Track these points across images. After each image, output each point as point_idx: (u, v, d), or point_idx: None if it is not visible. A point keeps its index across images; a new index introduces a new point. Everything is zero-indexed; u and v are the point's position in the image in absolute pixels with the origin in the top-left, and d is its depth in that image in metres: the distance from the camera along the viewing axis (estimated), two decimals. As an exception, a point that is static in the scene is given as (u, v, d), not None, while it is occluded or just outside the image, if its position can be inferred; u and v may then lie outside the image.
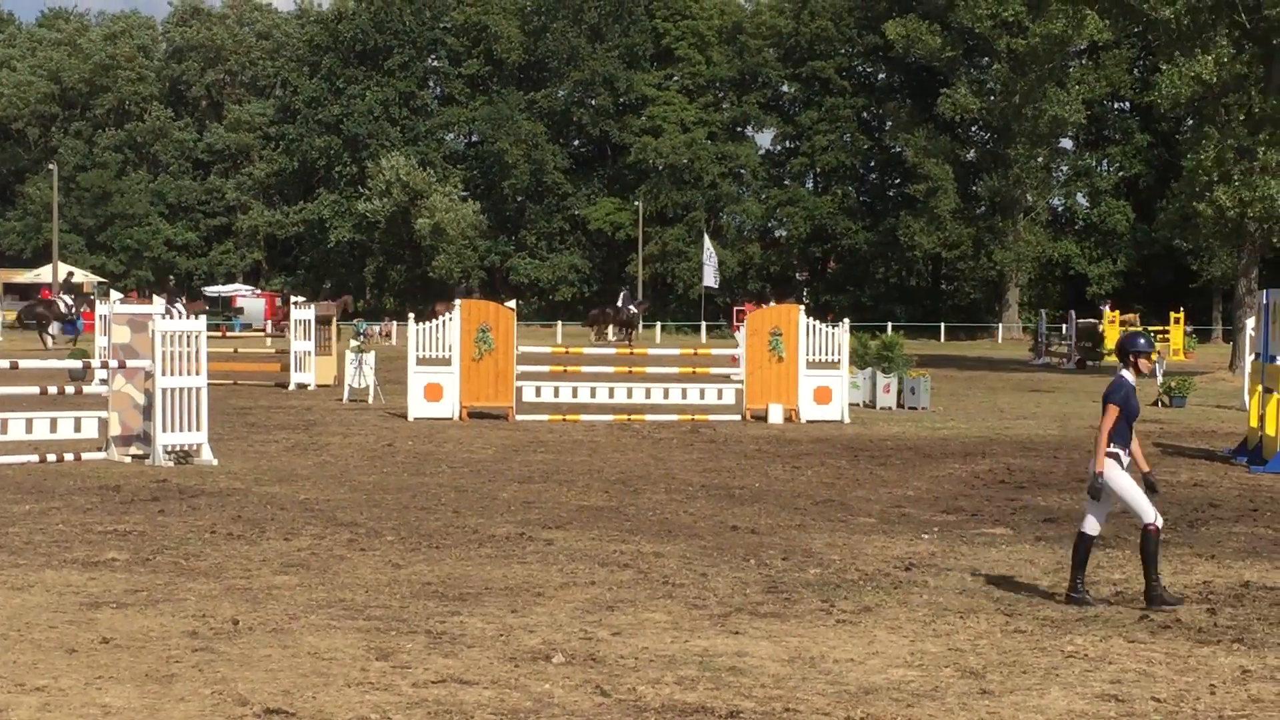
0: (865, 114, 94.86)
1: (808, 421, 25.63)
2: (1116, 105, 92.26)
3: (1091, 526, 10.45)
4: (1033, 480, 17.85)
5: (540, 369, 27.32)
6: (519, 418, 25.07)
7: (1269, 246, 48.12)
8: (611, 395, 26.60)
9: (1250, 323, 29.79)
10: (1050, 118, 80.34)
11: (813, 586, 10.88)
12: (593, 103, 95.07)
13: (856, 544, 12.87)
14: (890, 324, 68.28)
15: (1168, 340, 57.76)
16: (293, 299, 37.55)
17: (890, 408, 29.21)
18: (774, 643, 8.99)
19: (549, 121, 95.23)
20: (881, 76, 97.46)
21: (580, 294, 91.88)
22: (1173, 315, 60.85)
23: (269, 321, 61.11)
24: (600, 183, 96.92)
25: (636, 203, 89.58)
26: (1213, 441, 23.27)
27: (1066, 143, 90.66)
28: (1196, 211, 43.92)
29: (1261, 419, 19.80)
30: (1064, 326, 55.38)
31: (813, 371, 26.37)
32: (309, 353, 33.46)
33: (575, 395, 26.42)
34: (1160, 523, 10.31)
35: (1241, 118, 43.88)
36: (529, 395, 26.01)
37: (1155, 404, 31.77)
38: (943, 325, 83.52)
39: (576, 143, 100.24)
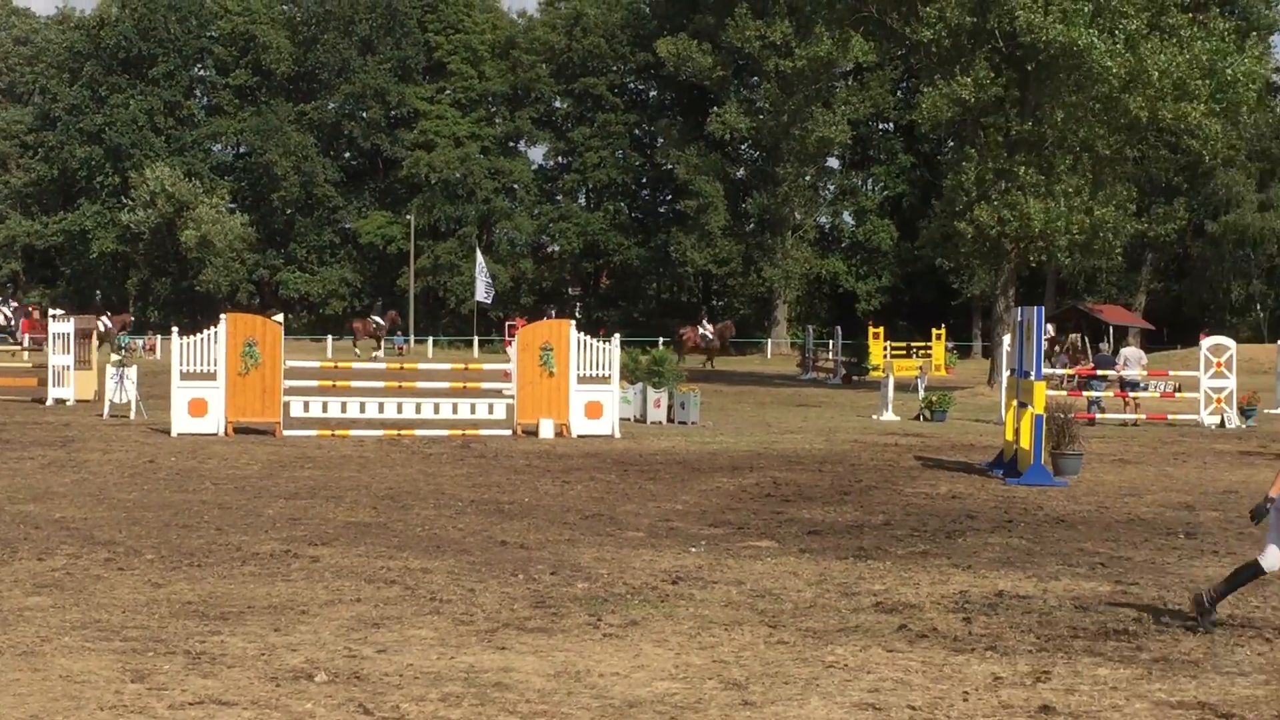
0: (637, 131, 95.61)
1: (579, 436, 25.71)
2: (881, 126, 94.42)
3: (1272, 561, 10.00)
4: (798, 494, 18.14)
5: (309, 384, 26.97)
6: (286, 433, 24.69)
7: (1026, 264, 49.70)
8: (381, 410, 26.34)
9: (1007, 339, 30.69)
10: (817, 138, 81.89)
11: (580, 601, 10.90)
12: (364, 115, 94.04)
13: (625, 558, 12.93)
14: (662, 339, 68.84)
15: (930, 356, 59.26)
16: (51, 312, 36.52)
17: (661, 422, 29.46)
18: (540, 658, 8.98)
19: (319, 133, 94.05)
20: (653, 94, 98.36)
21: (351, 307, 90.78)
22: (934, 332, 62.43)
23: (26, 335, 59.26)
24: (372, 196, 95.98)
25: (409, 216, 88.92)
26: (971, 454, 23.93)
27: (833, 162, 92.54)
28: (957, 230, 45.16)
29: (1016, 432, 20.43)
30: (830, 342, 56.53)
31: (584, 386, 26.46)
32: (68, 367, 32.53)
33: (344, 410, 26.11)
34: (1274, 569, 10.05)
35: (1000, 139, 45.24)
36: (297, 410, 25.66)
37: (917, 418, 32.60)
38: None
39: (348, 155, 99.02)
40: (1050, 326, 56.04)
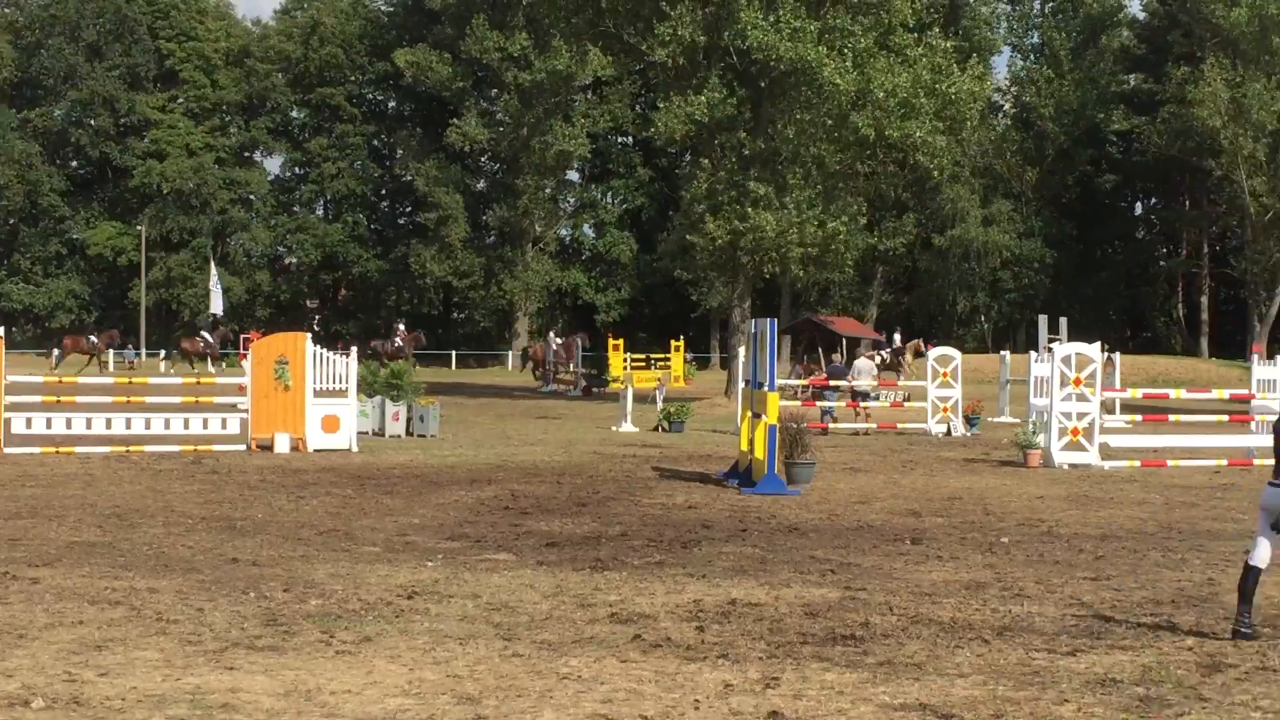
0: (376, 142, 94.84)
1: (315, 450, 25.33)
2: (620, 139, 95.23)
3: (1261, 559, 10.22)
4: (537, 506, 18.15)
5: (32, 399, 26.04)
6: (7, 450, 23.80)
7: (761, 277, 50.63)
8: (109, 426, 25.57)
9: (743, 350, 31.21)
10: (557, 151, 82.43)
11: (313, 618, 10.73)
12: (92, 123, 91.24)
13: (360, 573, 12.77)
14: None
15: (669, 367, 59.92)
16: None
17: (400, 435, 29.23)
18: (270, 677, 8.80)
19: (44, 141, 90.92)
20: (392, 105, 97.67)
21: (79, 320, 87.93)
22: (674, 343, 63.16)
23: None
24: (101, 206, 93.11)
25: (140, 227, 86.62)
26: (708, 465, 24.24)
27: (573, 175, 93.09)
28: (693, 242, 45.77)
29: (751, 442, 20.77)
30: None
31: (320, 400, 26.10)
32: None
33: (70, 426, 25.27)
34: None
35: (734, 154, 45.99)
36: (19, 427, 24.76)
37: (656, 429, 32.93)
38: (454, 353, 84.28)
39: (75, 164, 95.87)
40: (897, 336, 57.20)
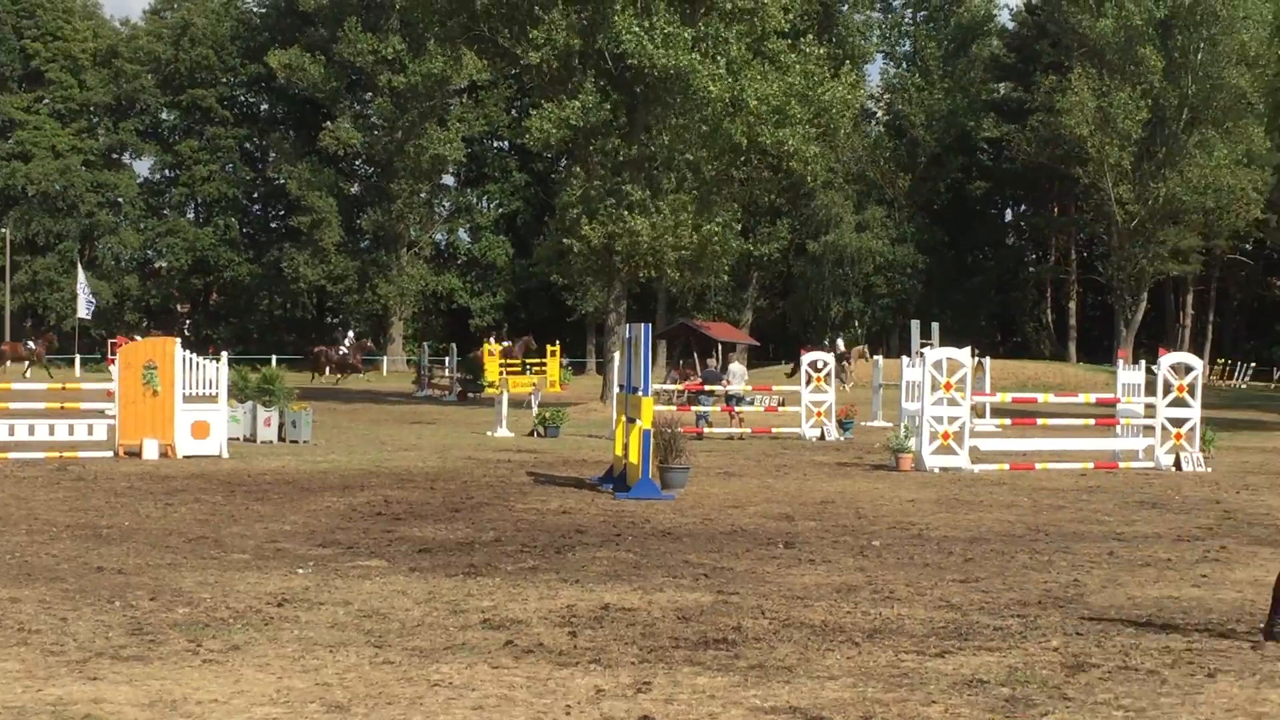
0: (248, 144, 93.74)
1: (184, 457, 24.97)
2: (496, 144, 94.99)
3: None
4: (410, 512, 18.03)
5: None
6: None
7: (636, 281, 50.72)
8: (-29, 433, 25.04)
9: (618, 355, 31.25)
10: (432, 155, 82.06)
11: (180, 627, 10.56)
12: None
13: (229, 581, 12.60)
14: (275, 357, 67.56)
15: (544, 372, 59.81)
16: None
17: (271, 441, 28.90)
18: (134, 687, 8.65)
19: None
20: (265, 107, 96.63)
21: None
22: (549, 348, 63.06)
23: None
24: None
25: (3, 230, 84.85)
26: (582, 470, 24.24)
27: (448, 179, 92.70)
28: (568, 247, 45.76)
29: (625, 447, 20.80)
30: (446, 359, 56.52)
31: (190, 405, 25.74)
32: None
33: (-70, 434, 24.72)
34: None
35: (609, 159, 46.03)
36: (-124, 435, 24.17)
37: (531, 434, 32.87)
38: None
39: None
40: (840, 342, 57.45)
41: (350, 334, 65.60)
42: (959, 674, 9.21)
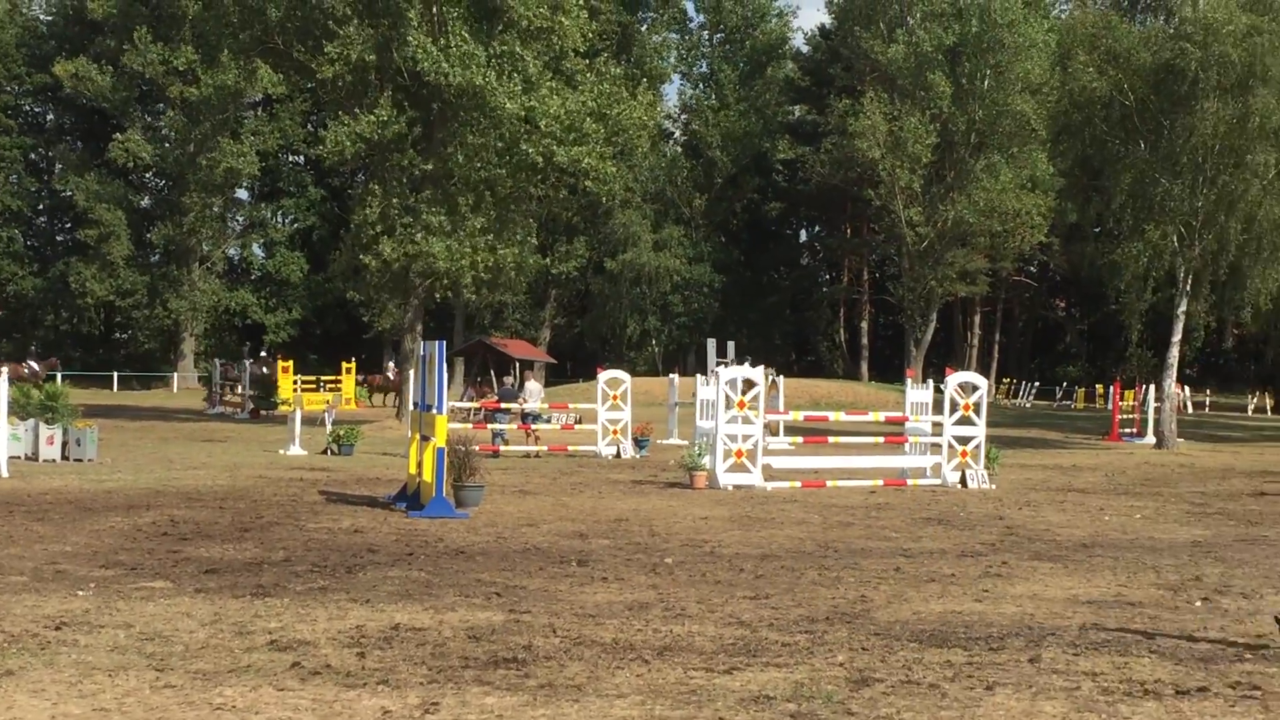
0: (34, 155, 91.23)
1: (-39, 477, 24.16)
2: (291, 158, 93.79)
3: None
4: (197, 531, 17.65)
5: None
6: None
7: (433, 299, 50.42)
8: None
9: (413, 373, 31.02)
10: (225, 168, 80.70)
11: (-49, 653, 10.20)
12: None
13: (4, 604, 12.19)
14: (60, 373, 65.74)
15: (340, 389, 59.17)
16: None
17: (54, 460, 28.10)
18: (-100, 718, 8.34)
19: None
20: (51, 117, 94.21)
21: None
22: (344, 365, 62.41)
23: None
24: None
25: None
26: (376, 488, 23.99)
27: (242, 193, 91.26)
28: (365, 264, 45.34)
29: (419, 465, 20.64)
30: (240, 376, 55.56)
31: (-33, 424, 24.92)
32: None
33: None
34: None
35: (405, 176, 45.69)
36: None
37: (325, 452, 32.46)
38: (116, 374, 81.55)
39: None
40: (747, 364, 57.09)
41: (262, 354, 65.12)
42: (746, 690, 9.29)
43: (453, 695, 9.09)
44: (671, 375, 45.13)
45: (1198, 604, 13.28)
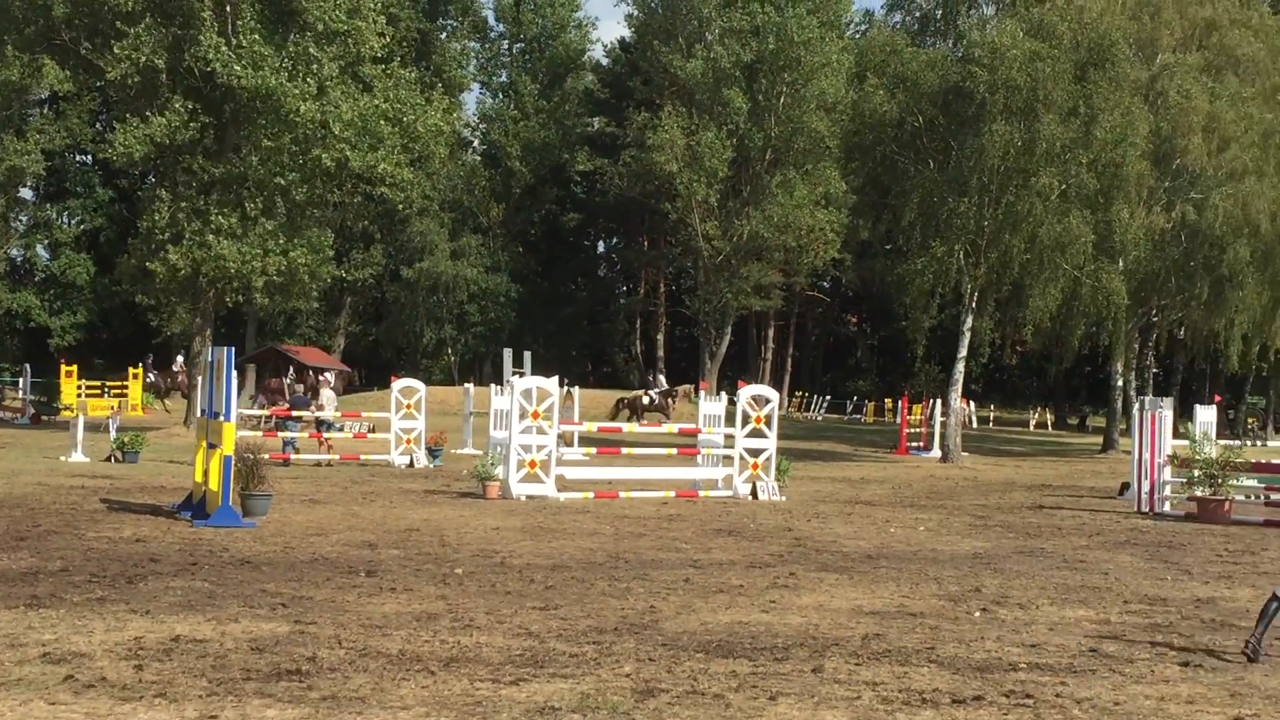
0: None
1: None
2: (78, 158, 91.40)
3: None
4: (-30, 541, 17.09)
5: None
6: None
7: (224, 305, 49.53)
8: None
9: (201, 379, 30.43)
10: (8, 167, 78.22)
11: None
12: None
13: None
14: None
15: (126, 395, 57.81)
16: None
17: None
18: None
19: None
20: None
21: None
22: (132, 370, 61.00)
23: None
24: None
25: None
26: (161, 496, 23.47)
27: (26, 193, 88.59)
28: (153, 269, 44.36)
29: (206, 473, 20.23)
30: (20, 380, 53.99)
31: None
32: None
33: None
34: None
35: (196, 180, 44.81)
36: None
37: (108, 459, 31.66)
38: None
39: None
40: (662, 378, 56.51)
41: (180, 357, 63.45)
42: (532, 701, 9.27)
43: (232, 708, 8.91)
44: (466, 385, 44.98)
45: (977, 615, 13.59)
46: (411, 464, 33.74)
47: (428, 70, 69.50)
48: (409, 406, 34.65)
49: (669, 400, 53.11)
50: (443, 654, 10.90)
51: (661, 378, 57.98)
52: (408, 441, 34.34)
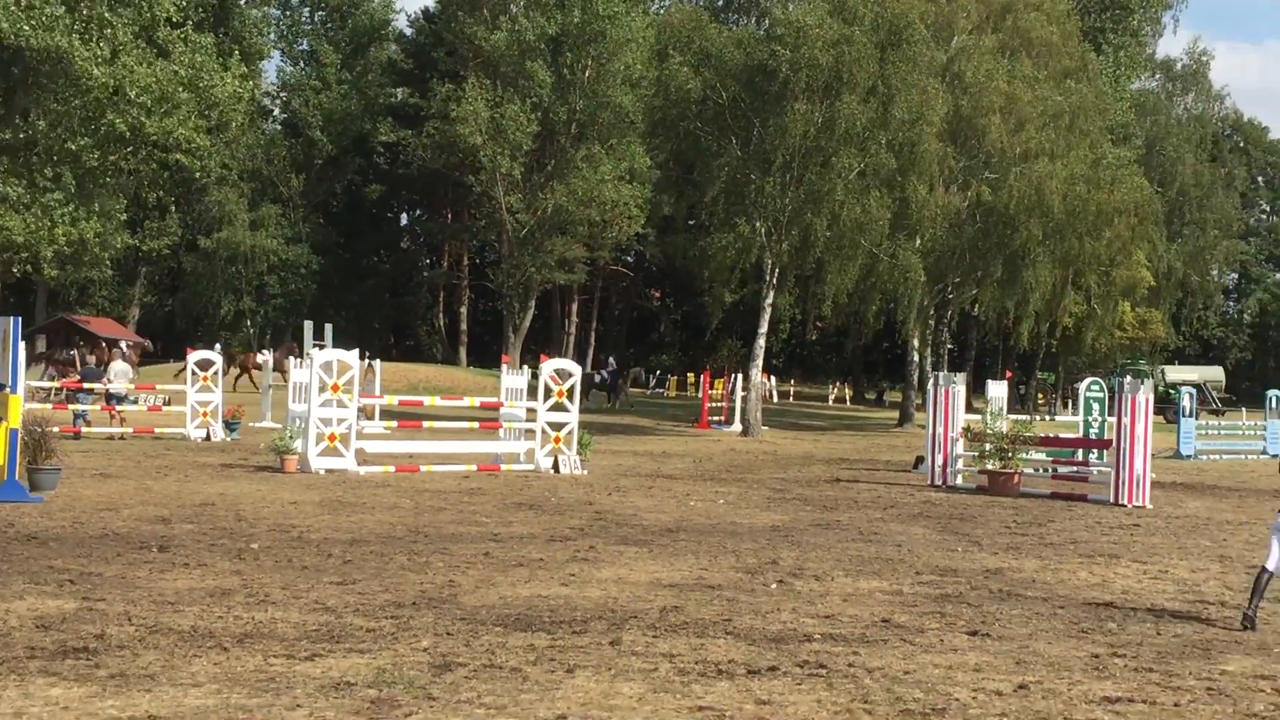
0: None
1: None
2: None
3: (1272, 562, 12.21)
4: None
5: None
6: None
7: (11, 275, 48.10)
8: None
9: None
10: None
11: None
12: None
13: None
14: None
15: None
16: None
17: None
18: None
19: None
20: None
21: None
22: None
23: None
24: None
25: None
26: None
27: None
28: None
29: (-9, 447, 19.63)
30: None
31: None
32: None
33: None
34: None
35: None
36: None
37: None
38: None
39: None
40: (612, 360, 55.07)
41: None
42: (327, 677, 9.14)
43: (15, 687, 8.65)
44: (265, 357, 44.28)
45: (773, 587, 13.76)
46: (208, 437, 33.16)
47: (226, 37, 67.98)
48: (205, 379, 34.03)
49: (620, 380, 53.12)
50: (236, 630, 10.71)
51: (612, 359, 57.88)
52: (204, 414, 33.72)
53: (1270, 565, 12.34)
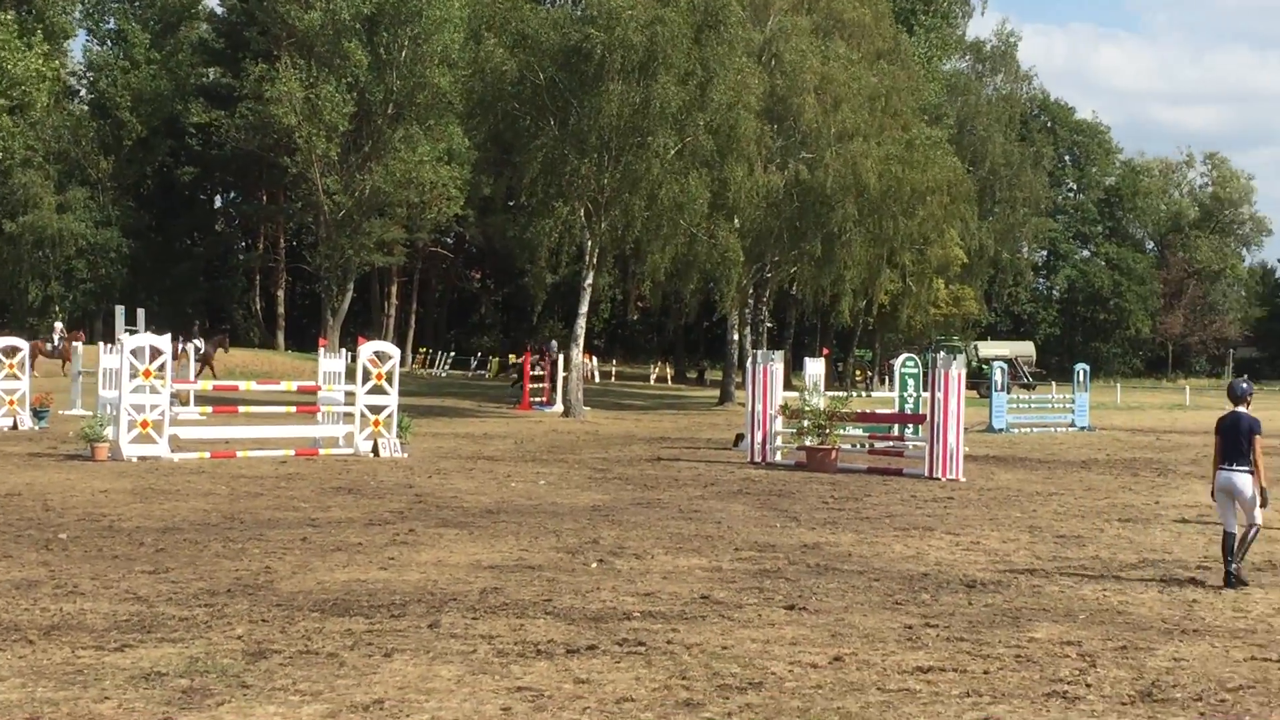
0: None
1: None
2: None
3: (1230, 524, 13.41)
4: None
5: None
6: None
7: None
8: None
9: None
10: None
11: None
12: None
13: None
14: None
15: None
16: None
17: None
18: None
19: None
20: None
21: None
22: None
23: None
24: None
25: None
26: None
27: None
28: None
29: None
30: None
31: None
32: None
33: None
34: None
35: None
36: None
37: None
38: None
39: None
40: (554, 344, 53.29)
41: (59, 325, 57.88)
42: (138, 667, 8.95)
43: None
44: (76, 343, 43.24)
45: (594, 566, 13.79)
46: (15, 426, 32.30)
47: (29, 14, 66.04)
48: (11, 366, 33.13)
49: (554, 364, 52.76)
50: (43, 622, 10.44)
51: (554, 343, 57.17)
52: (11, 403, 32.84)
53: (1227, 526, 13.47)
